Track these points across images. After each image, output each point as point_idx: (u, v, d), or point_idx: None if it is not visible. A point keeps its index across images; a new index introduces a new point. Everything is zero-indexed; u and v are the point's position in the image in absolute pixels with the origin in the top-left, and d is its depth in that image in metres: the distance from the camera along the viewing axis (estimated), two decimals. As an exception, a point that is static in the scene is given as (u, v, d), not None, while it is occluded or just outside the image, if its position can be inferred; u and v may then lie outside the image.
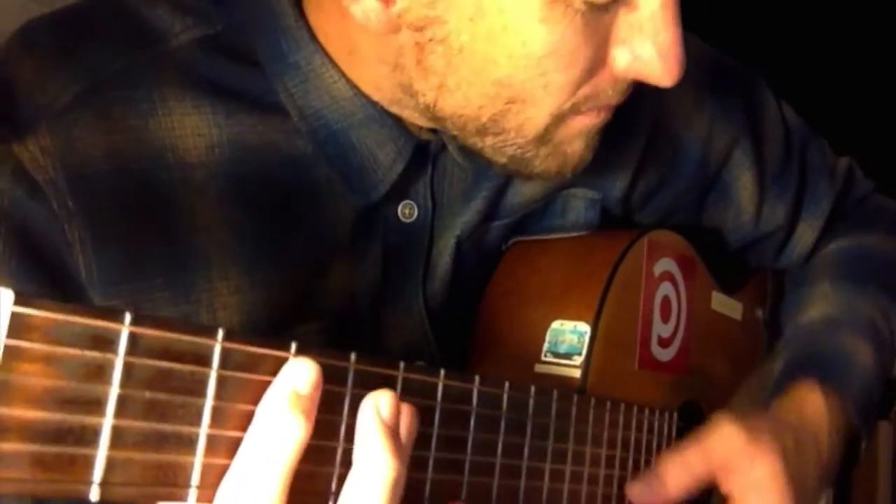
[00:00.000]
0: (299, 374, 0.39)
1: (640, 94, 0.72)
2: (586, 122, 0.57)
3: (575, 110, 0.55)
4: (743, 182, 0.80)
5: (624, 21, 0.53)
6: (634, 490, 0.64)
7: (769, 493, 0.65)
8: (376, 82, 0.59)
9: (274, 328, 0.60)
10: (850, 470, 0.77)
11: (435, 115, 0.57)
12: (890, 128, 1.45)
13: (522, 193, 0.69)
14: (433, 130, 0.62)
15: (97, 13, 0.59)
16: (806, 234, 0.85)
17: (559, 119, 0.56)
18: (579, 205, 0.72)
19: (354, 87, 0.59)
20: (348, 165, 0.60)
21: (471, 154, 0.62)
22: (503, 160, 0.58)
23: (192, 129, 0.57)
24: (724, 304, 0.81)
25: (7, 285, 0.52)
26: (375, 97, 0.60)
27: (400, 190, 0.63)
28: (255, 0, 0.60)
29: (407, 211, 0.64)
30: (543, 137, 0.56)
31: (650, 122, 0.74)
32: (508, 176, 0.67)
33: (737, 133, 0.79)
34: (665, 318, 0.72)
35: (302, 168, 0.60)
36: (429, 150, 0.63)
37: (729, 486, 0.66)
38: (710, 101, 0.77)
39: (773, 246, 0.85)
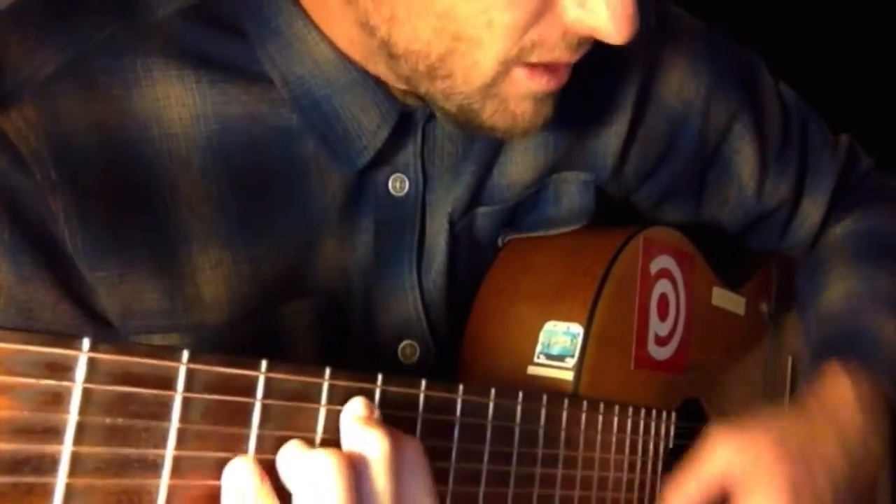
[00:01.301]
0: (356, 406, 0.43)
1: (623, 64, 0.70)
2: (535, 84, 0.55)
3: (522, 58, 0.53)
4: (744, 156, 0.78)
5: None
6: None
7: (770, 490, 0.64)
8: (346, 33, 0.58)
9: (262, 304, 0.60)
10: None
11: (390, 52, 0.55)
12: (886, 110, 1.42)
13: (510, 174, 0.68)
14: (419, 98, 0.61)
15: None
16: (812, 211, 0.83)
17: (506, 66, 0.54)
18: (572, 189, 0.71)
19: (336, 48, 0.59)
20: (332, 132, 0.60)
21: (457, 122, 0.61)
22: (453, 109, 0.57)
23: (175, 99, 0.57)
24: (726, 300, 0.79)
25: (1, 257, 0.55)
26: (355, 56, 0.59)
27: (389, 162, 0.62)
28: None
29: (398, 185, 0.63)
30: (489, 89, 0.55)
31: (637, 91, 0.72)
32: (493, 152, 0.67)
33: (736, 107, 0.77)
34: (662, 316, 0.71)
35: (288, 140, 0.60)
36: (415, 118, 0.63)
37: (731, 491, 0.65)
38: (706, 73, 0.75)
39: (777, 225, 0.84)
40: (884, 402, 0.72)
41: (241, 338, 0.60)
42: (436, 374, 0.64)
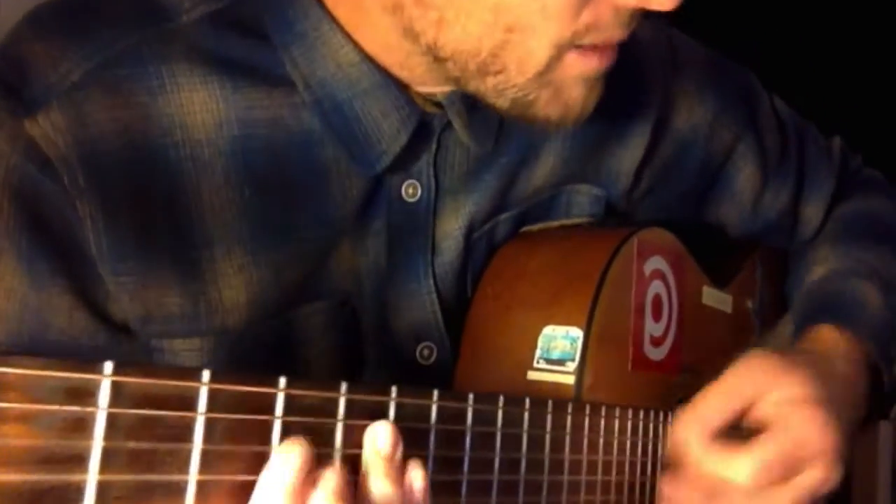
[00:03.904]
0: (381, 437, 0.43)
1: (644, 89, 0.73)
2: (587, 65, 0.55)
3: (575, 41, 0.54)
4: (746, 174, 0.81)
5: None
6: (678, 426, 0.65)
7: (805, 408, 0.65)
8: (384, 40, 0.58)
9: (280, 308, 0.61)
10: (877, 407, 0.78)
11: (437, 56, 0.55)
12: (876, 114, 1.45)
13: (531, 184, 0.69)
14: (438, 105, 0.62)
15: None
16: (813, 216, 0.87)
17: (560, 51, 0.54)
18: (583, 200, 0.73)
19: (362, 51, 0.58)
20: (353, 136, 0.60)
21: (476, 131, 0.63)
22: (506, 105, 0.57)
23: (200, 105, 0.57)
24: (715, 298, 0.80)
25: (18, 264, 0.54)
26: (384, 60, 0.59)
27: (404, 167, 0.63)
28: None
29: (410, 190, 0.63)
30: (544, 76, 0.55)
31: (655, 119, 0.74)
32: (517, 163, 0.68)
33: (739, 129, 0.80)
34: (656, 316, 0.71)
35: (309, 145, 0.60)
36: (433, 126, 0.63)
37: (764, 408, 0.65)
38: (711, 99, 0.77)
39: (784, 232, 0.87)
40: (865, 366, 0.75)
41: (257, 341, 0.60)
42: (453, 373, 0.66)
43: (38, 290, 0.55)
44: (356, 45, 0.58)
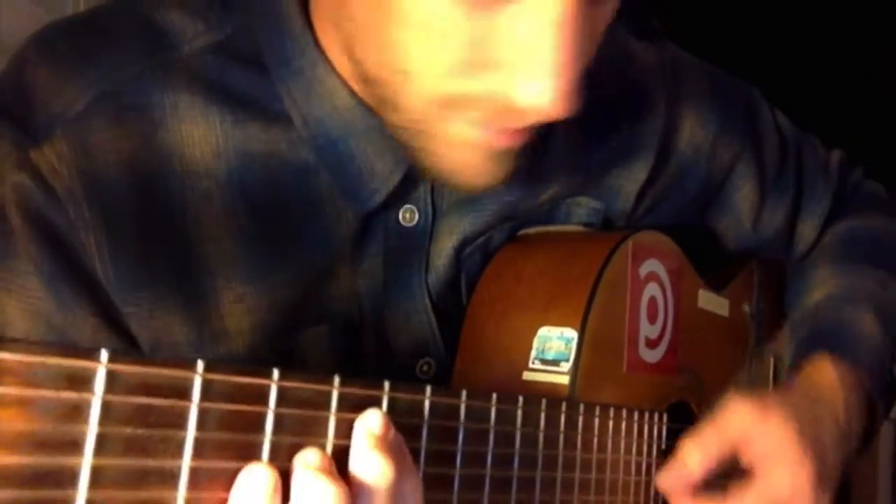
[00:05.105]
0: (372, 420, 0.43)
1: (650, 111, 0.74)
2: (479, 135, 0.53)
3: (462, 107, 0.51)
4: (745, 192, 0.82)
5: (510, 27, 0.47)
6: (661, 479, 0.67)
7: (787, 458, 0.66)
8: (356, 83, 0.58)
9: (281, 332, 0.61)
10: (871, 436, 0.78)
11: (365, 78, 0.54)
12: (877, 123, 1.46)
13: (528, 205, 0.70)
14: None
15: (111, 19, 0.59)
16: (807, 233, 0.88)
17: (443, 108, 0.51)
18: (582, 212, 0.74)
19: (355, 96, 0.59)
20: (346, 173, 0.60)
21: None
22: (405, 145, 0.56)
23: (199, 137, 0.58)
24: (711, 302, 0.80)
25: (41, 286, 0.55)
26: (367, 102, 0.59)
27: (400, 196, 0.63)
28: (264, 3, 0.60)
29: (408, 215, 0.64)
30: (430, 131, 0.53)
31: (659, 142, 0.75)
32: (513, 190, 0.68)
33: (740, 147, 0.80)
34: (652, 318, 0.71)
35: (304, 176, 0.60)
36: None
37: (748, 457, 0.67)
38: (712, 119, 0.78)
39: (779, 249, 0.88)
40: (861, 399, 0.75)
41: (262, 365, 0.60)
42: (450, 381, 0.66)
43: (65, 311, 0.55)
44: (349, 89, 0.59)
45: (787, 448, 0.66)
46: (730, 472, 0.67)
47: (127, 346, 0.58)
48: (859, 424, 0.74)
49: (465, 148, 0.54)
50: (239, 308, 0.59)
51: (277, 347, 0.61)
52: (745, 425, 0.67)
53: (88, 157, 0.55)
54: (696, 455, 0.66)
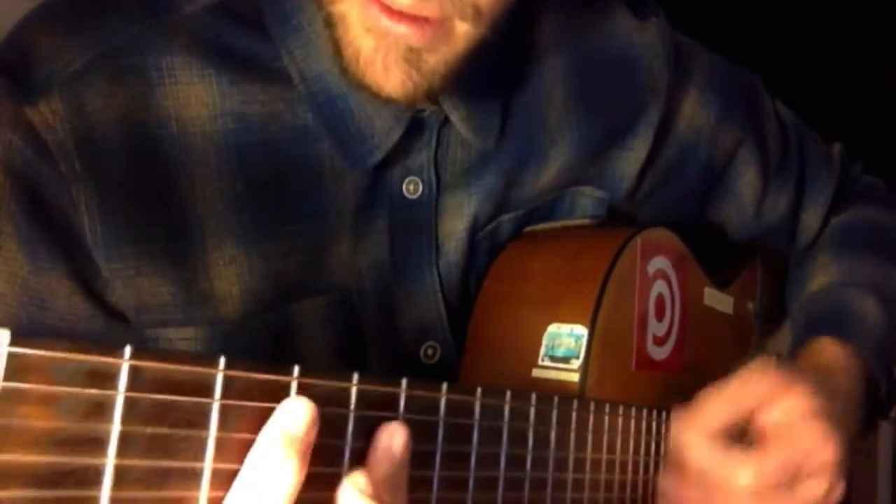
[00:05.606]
0: (294, 415, 0.38)
1: (650, 92, 0.74)
2: (371, 17, 0.51)
3: None
4: (747, 178, 0.82)
5: None
6: (680, 420, 0.65)
7: (811, 421, 0.65)
8: None
9: (276, 300, 0.61)
10: (874, 418, 0.78)
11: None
12: (876, 119, 1.46)
13: (535, 187, 0.70)
14: (434, 102, 0.62)
15: None
16: (811, 222, 0.87)
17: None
18: (587, 202, 0.74)
19: None
20: (345, 130, 0.60)
21: (476, 124, 0.63)
22: (337, 40, 0.54)
23: (196, 99, 0.58)
24: (717, 299, 0.80)
25: (18, 247, 0.54)
26: None
27: (403, 164, 0.63)
28: None
29: (411, 187, 0.64)
30: (337, 11, 0.52)
31: (658, 122, 0.74)
32: (520, 164, 0.68)
33: (742, 133, 0.80)
34: (659, 316, 0.71)
35: (303, 140, 0.60)
36: (428, 122, 0.63)
37: (766, 417, 0.65)
38: (715, 103, 0.78)
39: (783, 238, 0.88)
40: (864, 380, 0.75)
41: (255, 333, 0.60)
42: (456, 372, 0.66)
43: (39, 273, 0.55)
44: None
45: (810, 412, 0.65)
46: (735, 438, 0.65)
47: (100, 312, 0.57)
48: (863, 406, 0.74)
49: (361, 32, 0.52)
50: (229, 271, 0.59)
51: (270, 316, 0.61)
52: (768, 385, 0.65)
53: (83, 113, 0.55)
54: (718, 406, 0.64)
